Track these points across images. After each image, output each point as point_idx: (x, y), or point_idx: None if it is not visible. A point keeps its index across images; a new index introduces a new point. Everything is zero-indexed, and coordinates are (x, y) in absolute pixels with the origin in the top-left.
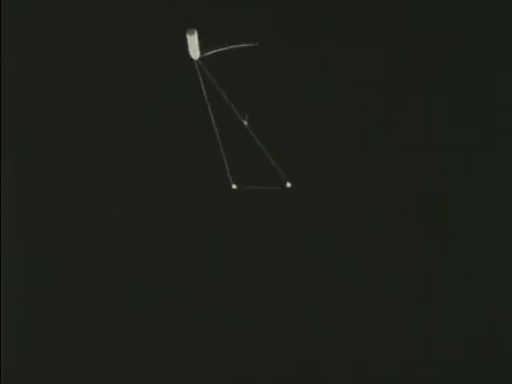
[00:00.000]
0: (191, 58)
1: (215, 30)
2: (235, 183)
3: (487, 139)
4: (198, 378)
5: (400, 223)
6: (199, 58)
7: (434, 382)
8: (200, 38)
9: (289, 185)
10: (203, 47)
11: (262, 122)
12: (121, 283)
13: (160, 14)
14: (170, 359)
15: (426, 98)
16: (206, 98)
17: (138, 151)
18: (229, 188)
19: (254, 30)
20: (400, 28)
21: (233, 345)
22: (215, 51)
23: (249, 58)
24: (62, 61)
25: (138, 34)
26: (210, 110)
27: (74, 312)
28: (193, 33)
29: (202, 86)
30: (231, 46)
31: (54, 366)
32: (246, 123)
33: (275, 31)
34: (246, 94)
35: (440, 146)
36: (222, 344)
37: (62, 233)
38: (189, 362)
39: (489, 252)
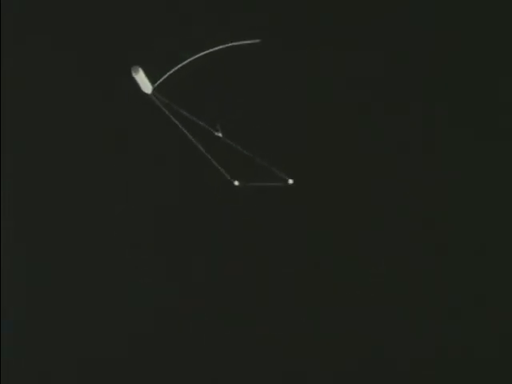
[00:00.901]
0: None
1: (215, 30)
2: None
3: (487, 139)
4: (198, 378)
5: (400, 223)
6: (153, 91)
7: (433, 382)
8: (199, 39)
9: (291, 181)
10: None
11: (261, 122)
12: (121, 283)
13: (160, 13)
14: (170, 359)
15: (426, 98)
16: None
17: (137, 151)
18: (229, 188)
19: (254, 30)
20: (400, 28)
21: (233, 345)
22: (165, 77)
23: (249, 58)
24: (62, 61)
25: (138, 34)
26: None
27: (74, 312)
28: (137, 71)
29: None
30: (185, 62)
31: (54, 365)
32: (220, 135)
33: (275, 31)
34: (246, 93)
35: (440, 146)
36: (222, 344)
37: (62, 233)
38: (189, 362)
39: (489, 252)
